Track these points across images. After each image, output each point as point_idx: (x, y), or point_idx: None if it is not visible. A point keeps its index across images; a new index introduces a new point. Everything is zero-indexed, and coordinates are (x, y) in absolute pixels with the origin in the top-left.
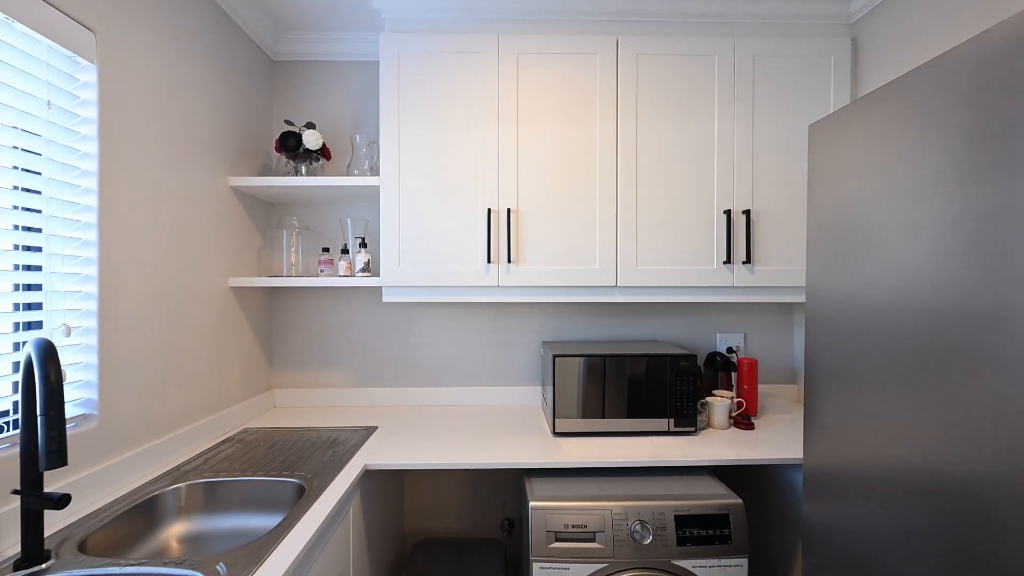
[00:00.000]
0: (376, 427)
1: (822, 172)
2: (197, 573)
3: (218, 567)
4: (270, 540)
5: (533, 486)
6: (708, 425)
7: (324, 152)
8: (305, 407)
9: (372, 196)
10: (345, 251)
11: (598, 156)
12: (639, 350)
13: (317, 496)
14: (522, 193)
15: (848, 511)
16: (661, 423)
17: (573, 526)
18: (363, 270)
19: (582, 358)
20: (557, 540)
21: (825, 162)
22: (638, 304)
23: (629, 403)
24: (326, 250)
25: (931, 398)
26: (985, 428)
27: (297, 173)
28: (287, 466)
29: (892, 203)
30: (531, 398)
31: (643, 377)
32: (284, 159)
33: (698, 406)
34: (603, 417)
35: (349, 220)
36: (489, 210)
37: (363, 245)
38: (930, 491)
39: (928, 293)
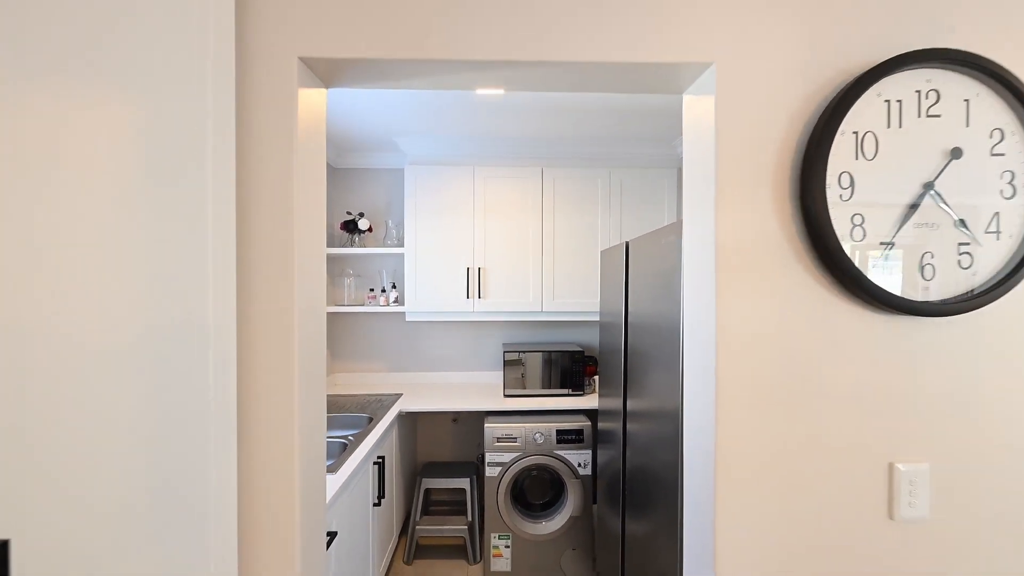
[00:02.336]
0: (401, 394)
1: (605, 269)
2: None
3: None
4: (359, 438)
5: (489, 420)
6: (594, 392)
7: (369, 229)
8: (355, 384)
9: (399, 257)
10: (384, 290)
11: (531, 235)
12: (554, 348)
13: (377, 422)
14: (487, 257)
15: (608, 425)
16: (564, 390)
17: (506, 435)
18: (395, 301)
19: (521, 352)
20: (497, 442)
21: (606, 265)
22: (555, 321)
23: (549, 378)
24: (372, 289)
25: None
26: (656, 394)
27: (352, 244)
28: (358, 408)
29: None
30: (495, 379)
31: (556, 363)
32: (341, 232)
33: (586, 380)
34: (533, 387)
35: (384, 271)
36: (468, 267)
37: (393, 287)
38: (642, 428)
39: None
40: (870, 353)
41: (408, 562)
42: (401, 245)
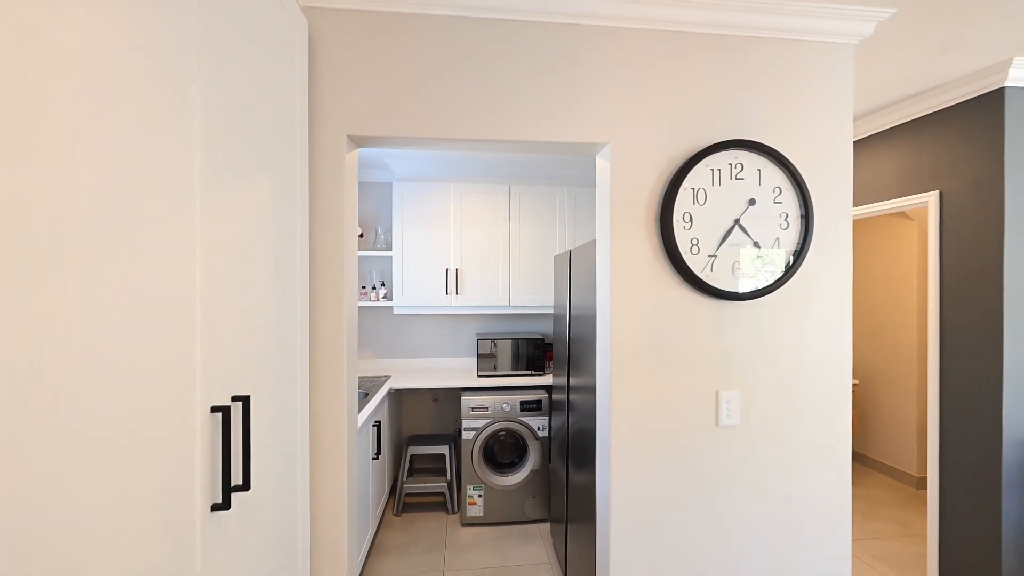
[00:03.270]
0: (390, 376)
1: (557, 271)
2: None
3: None
4: (359, 406)
5: (465, 395)
6: (552, 373)
7: (360, 235)
8: None
9: (387, 259)
10: (374, 287)
11: (500, 241)
12: (519, 336)
13: (372, 396)
14: (463, 259)
15: (559, 397)
16: (528, 371)
17: (479, 405)
18: (384, 297)
19: (491, 340)
20: (472, 411)
21: (557, 268)
22: (520, 314)
23: (515, 361)
24: (363, 287)
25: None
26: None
27: None
28: None
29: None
30: (470, 363)
31: (521, 349)
32: None
33: (546, 363)
34: (502, 369)
35: (374, 271)
36: (447, 268)
37: (382, 284)
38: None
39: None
40: (704, 324)
41: (397, 514)
42: (389, 249)
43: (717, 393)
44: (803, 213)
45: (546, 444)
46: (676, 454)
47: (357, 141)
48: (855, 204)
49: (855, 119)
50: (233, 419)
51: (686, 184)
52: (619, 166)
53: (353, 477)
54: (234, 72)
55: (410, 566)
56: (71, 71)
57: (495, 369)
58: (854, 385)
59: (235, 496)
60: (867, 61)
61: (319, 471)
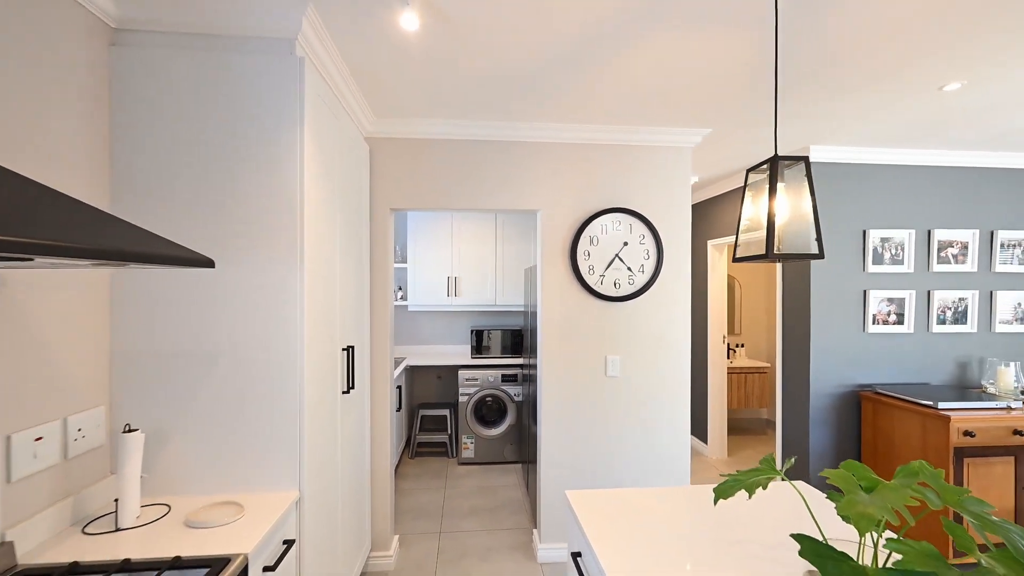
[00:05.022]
0: (406, 358)
1: (526, 279)
2: None
3: None
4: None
5: (461, 371)
6: (524, 355)
7: None
8: None
9: (403, 270)
10: (395, 291)
11: (488, 255)
12: (503, 328)
13: (395, 368)
14: (461, 269)
15: (528, 372)
16: (508, 354)
17: (471, 377)
18: (401, 298)
19: (483, 331)
20: (466, 381)
21: (527, 278)
22: (504, 311)
23: (500, 346)
24: None
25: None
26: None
27: None
28: None
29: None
30: (466, 349)
31: (504, 337)
32: None
33: (523, 347)
34: (490, 352)
35: (395, 279)
36: (448, 276)
37: (400, 289)
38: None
39: None
40: (596, 315)
41: (412, 458)
42: (405, 261)
43: (605, 357)
44: (658, 250)
45: (520, 407)
46: (580, 395)
47: (393, 209)
48: (725, 235)
49: (715, 180)
50: (349, 355)
51: (586, 233)
52: (545, 221)
53: (391, 400)
54: (345, 175)
55: (423, 485)
56: (319, 223)
57: (483, 352)
58: (766, 368)
59: (349, 392)
60: (707, 151)
61: (376, 388)
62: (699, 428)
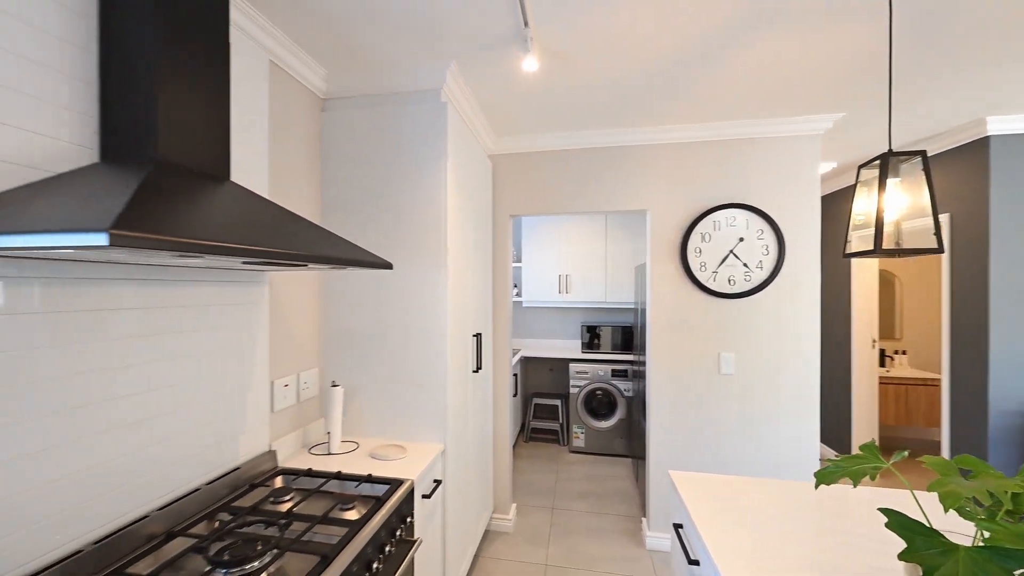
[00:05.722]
0: (520, 349)
1: (636, 277)
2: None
3: None
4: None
5: (572, 364)
6: (634, 351)
7: None
8: None
9: (518, 269)
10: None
11: (597, 254)
12: (612, 324)
13: (512, 358)
14: (571, 268)
15: (638, 368)
16: (618, 350)
17: (581, 371)
18: (517, 295)
19: (594, 327)
20: (576, 374)
21: (636, 275)
22: (615, 308)
23: (609, 342)
24: None
25: None
26: None
27: None
28: None
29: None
30: (576, 343)
31: (613, 333)
32: None
33: (633, 344)
34: (599, 348)
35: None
36: (559, 274)
37: (515, 286)
38: None
39: None
40: (709, 312)
41: (526, 441)
42: (519, 261)
43: (719, 354)
44: (779, 244)
45: (630, 402)
46: (690, 391)
47: (512, 215)
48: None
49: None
50: (477, 341)
51: (696, 230)
52: (655, 221)
53: (510, 383)
54: (474, 189)
55: (536, 466)
56: (457, 232)
57: (594, 348)
58: (936, 380)
59: (478, 372)
60: (843, 136)
61: (498, 371)
62: (840, 441)
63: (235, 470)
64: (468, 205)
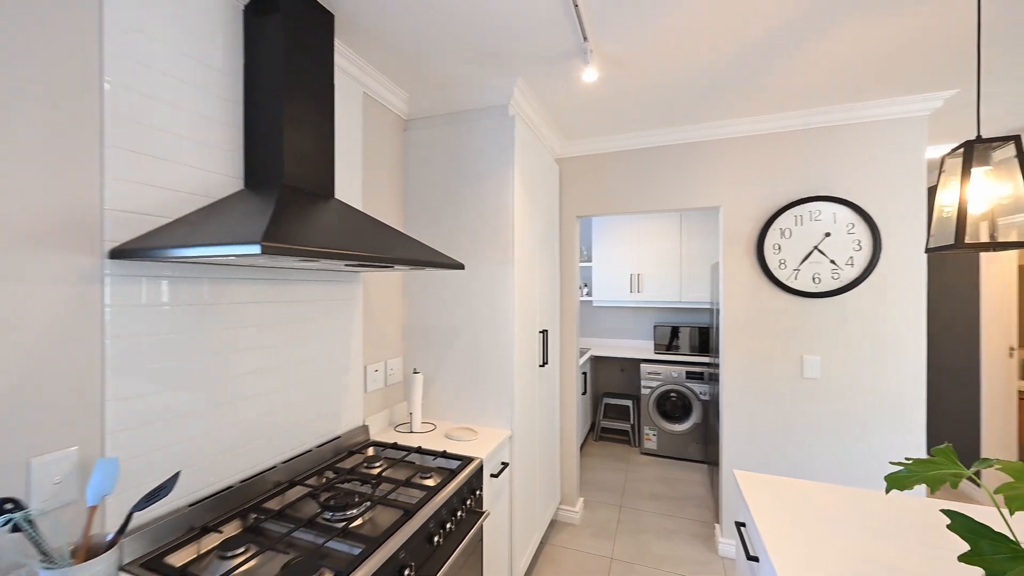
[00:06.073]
0: (590, 348)
1: (712, 276)
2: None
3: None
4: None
5: (643, 365)
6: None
7: None
8: None
9: (588, 268)
10: (580, 287)
11: (674, 251)
12: (687, 325)
13: (581, 357)
14: (643, 266)
15: (714, 371)
16: (697, 351)
17: (653, 372)
18: (587, 295)
19: (667, 327)
20: (648, 375)
21: (712, 274)
22: (689, 308)
23: (683, 343)
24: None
25: None
26: None
27: None
28: None
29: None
30: (648, 344)
31: (688, 334)
32: None
33: (710, 345)
34: (673, 349)
35: (581, 277)
36: (630, 273)
37: (585, 286)
38: None
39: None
40: (791, 313)
41: (596, 440)
42: (590, 261)
43: (802, 357)
44: (873, 239)
45: (706, 406)
46: (769, 395)
47: (579, 216)
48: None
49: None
50: (544, 337)
51: (775, 226)
52: (728, 217)
53: (577, 379)
54: (541, 193)
55: (606, 465)
56: (524, 234)
57: (667, 349)
58: None
59: (544, 367)
60: (959, 115)
61: (564, 367)
62: (965, 461)
63: (336, 439)
64: (534, 208)
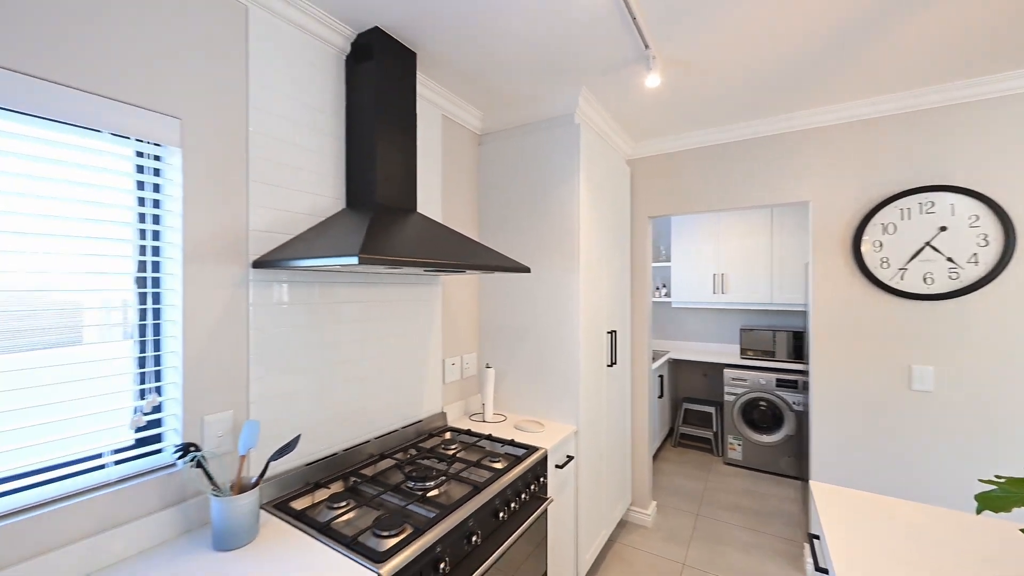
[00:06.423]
0: (669, 351)
1: (807, 277)
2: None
3: None
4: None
5: (727, 370)
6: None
7: None
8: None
9: (667, 268)
10: (657, 288)
11: (764, 249)
12: (783, 328)
13: (658, 360)
14: (728, 266)
15: (807, 379)
16: (792, 357)
17: (738, 377)
18: (665, 295)
19: (755, 330)
20: (733, 380)
21: (807, 274)
22: (781, 310)
23: (775, 348)
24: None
25: None
26: None
27: None
28: None
29: None
30: (732, 348)
31: (784, 339)
32: None
33: (807, 352)
34: (766, 354)
35: (658, 276)
36: (713, 273)
37: (664, 286)
38: None
39: None
40: (895, 317)
41: (674, 446)
42: (668, 260)
43: (910, 367)
44: (1005, 233)
45: (801, 417)
46: (869, 408)
47: (651, 216)
48: None
49: None
50: (612, 338)
51: (875, 221)
52: (818, 213)
53: (649, 380)
54: (609, 195)
55: (684, 471)
56: (590, 237)
57: (754, 353)
58: None
59: (612, 367)
60: None
61: (636, 367)
62: None
63: (418, 422)
64: (602, 211)
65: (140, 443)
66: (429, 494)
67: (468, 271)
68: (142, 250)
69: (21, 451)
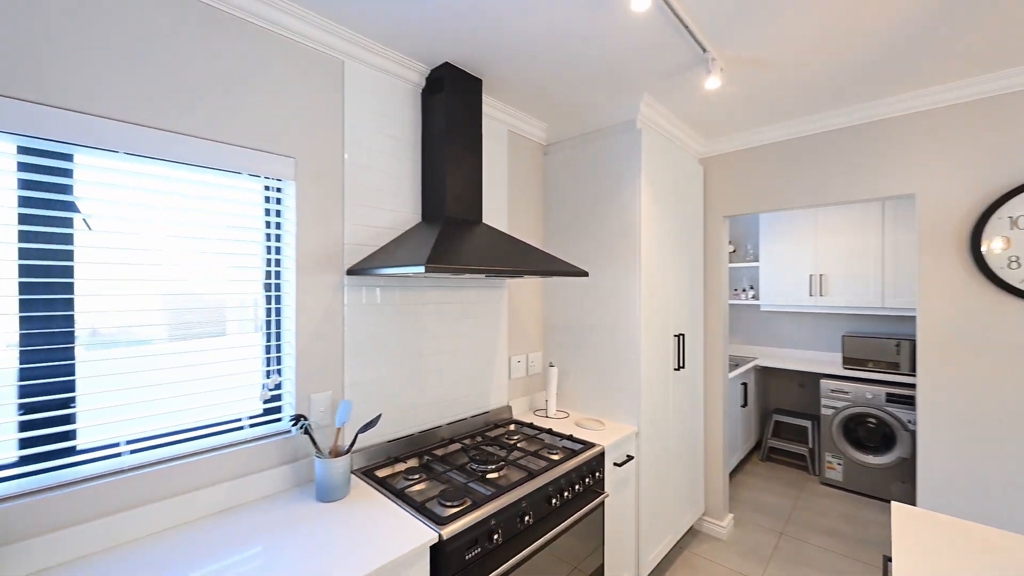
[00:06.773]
0: (756, 358)
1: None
2: None
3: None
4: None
5: (824, 380)
6: None
7: (733, 251)
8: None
9: (754, 268)
10: (744, 290)
11: (873, 247)
12: (893, 336)
13: (740, 367)
14: (827, 266)
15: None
16: (906, 369)
17: (838, 388)
18: (752, 297)
19: (860, 338)
20: (831, 392)
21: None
22: (894, 316)
23: (889, 359)
24: (735, 289)
25: None
26: None
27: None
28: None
29: None
30: (832, 357)
31: (895, 348)
32: None
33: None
34: (873, 364)
35: (744, 277)
36: (810, 274)
37: (751, 287)
38: None
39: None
40: (1016, 324)
41: (763, 460)
42: (756, 260)
43: None
44: None
45: (915, 437)
46: (992, 430)
47: (726, 216)
48: None
49: None
50: (679, 341)
51: (999, 214)
52: (926, 206)
53: (724, 386)
54: (677, 196)
55: (770, 487)
56: (652, 241)
57: (860, 363)
58: None
59: (680, 371)
60: None
61: (709, 372)
62: None
63: (485, 413)
64: (666, 213)
65: (266, 412)
66: (488, 475)
67: (526, 276)
68: (268, 262)
69: (191, 411)
